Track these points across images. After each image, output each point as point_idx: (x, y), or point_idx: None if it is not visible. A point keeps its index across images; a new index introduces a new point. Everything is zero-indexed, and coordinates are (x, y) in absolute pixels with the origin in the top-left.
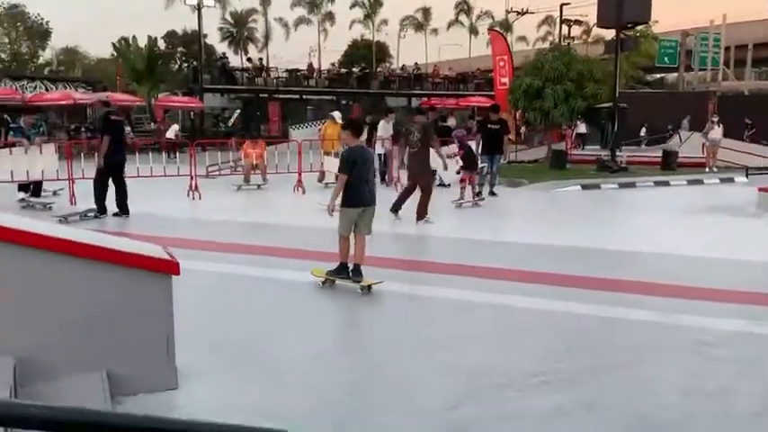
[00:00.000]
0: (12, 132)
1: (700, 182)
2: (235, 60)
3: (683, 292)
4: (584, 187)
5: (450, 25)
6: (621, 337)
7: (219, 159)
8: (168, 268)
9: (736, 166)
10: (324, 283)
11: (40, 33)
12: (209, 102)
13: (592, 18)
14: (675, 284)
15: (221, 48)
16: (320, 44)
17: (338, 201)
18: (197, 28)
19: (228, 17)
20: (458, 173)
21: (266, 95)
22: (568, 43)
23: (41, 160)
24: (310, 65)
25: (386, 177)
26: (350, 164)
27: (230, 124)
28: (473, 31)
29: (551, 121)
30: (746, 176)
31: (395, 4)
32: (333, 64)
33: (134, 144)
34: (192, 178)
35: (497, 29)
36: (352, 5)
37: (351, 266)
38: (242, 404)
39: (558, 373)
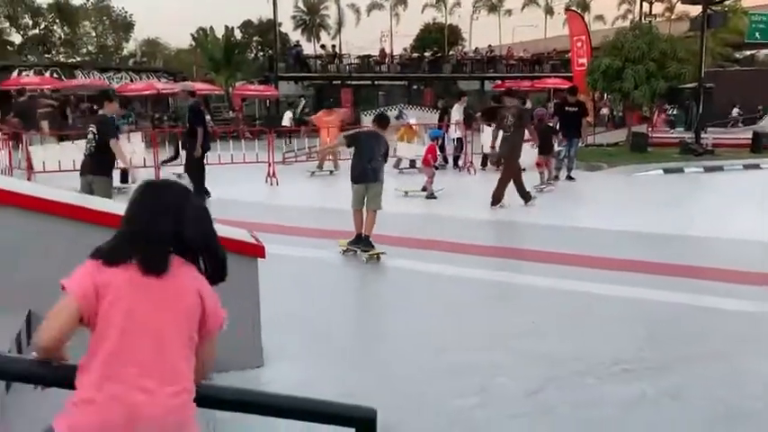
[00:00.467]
0: None
1: None
2: (308, 48)
3: None
4: (667, 171)
5: (524, 6)
6: (709, 326)
7: (296, 146)
8: (254, 251)
9: None
10: (345, 251)
11: (124, 26)
12: (283, 89)
13: None
14: (766, 273)
15: (295, 36)
16: (392, 29)
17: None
18: (272, 17)
19: (301, 5)
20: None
21: (339, 82)
22: (650, 21)
23: (130, 149)
24: (382, 50)
25: (459, 162)
26: (354, 139)
27: (298, 113)
28: (548, 11)
29: (632, 102)
30: None
31: None
32: (405, 49)
33: (214, 132)
34: (269, 165)
35: (574, 8)
36: None
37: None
38: (323, 382)
39: (641, 362)
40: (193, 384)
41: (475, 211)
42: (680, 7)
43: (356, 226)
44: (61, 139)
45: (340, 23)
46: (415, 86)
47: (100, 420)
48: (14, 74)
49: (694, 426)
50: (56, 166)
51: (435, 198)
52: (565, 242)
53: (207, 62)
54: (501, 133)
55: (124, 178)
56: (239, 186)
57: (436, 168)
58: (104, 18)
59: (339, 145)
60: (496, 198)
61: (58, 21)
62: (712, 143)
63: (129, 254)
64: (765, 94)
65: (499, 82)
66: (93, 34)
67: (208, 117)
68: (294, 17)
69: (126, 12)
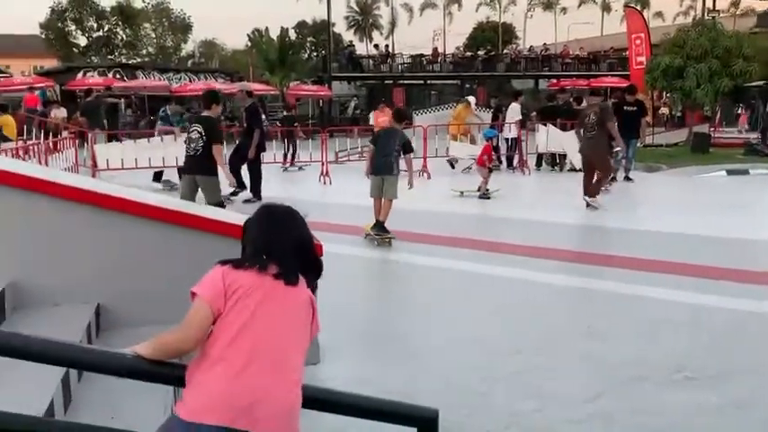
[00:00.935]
0: (161, 121)
1: None
2: (360, 48)
3: None
4: (731, 173)
5: (581, 3)
6: None
7: (348, 145)
8: None
9: None
10: (366, 236)
11: (183, 27)
12: (335, 89)
13: None
14: None
15: (348, 36)
16: (445, 28)
17: None
18: (325, 17)
19: (354, 5)
20: None
21: (391, 82)
22: (713, 17)
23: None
24: (435, 49)
25: (513, 162)
26: (375, 137)
27: (349, 114)
28: (605, 8)
29: (693, 101)
30: None
31: None
32: (458, 48)
33: (270, 133)
34: (323, 164)
35: (633, 5)
36: None
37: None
38: (377, 379)
39: (704, 369)
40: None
41: (529, 213)
42: (746, 2)
43: (375, 212)
44: (111, 138)
45: (393, 23)
46: (467, 85)
47: (224, 405)
48: (80, 75)
49: None
50: (119, 164)
51: (488, 198)
52: (622, 244)
53: (262, 62)
54: (582, 133)
55: (157, 178)
56: (293, 185)
57: (490, 170)
58: (164, 20)
59: (372, 153)
60: (592, 192)
61: (120, 23)
62: None
63: (265, 263)
64: None
65: (554, 81)
66: (153, 36)
67: (264, 117)
68: (347, 17)
69: (185, 13)
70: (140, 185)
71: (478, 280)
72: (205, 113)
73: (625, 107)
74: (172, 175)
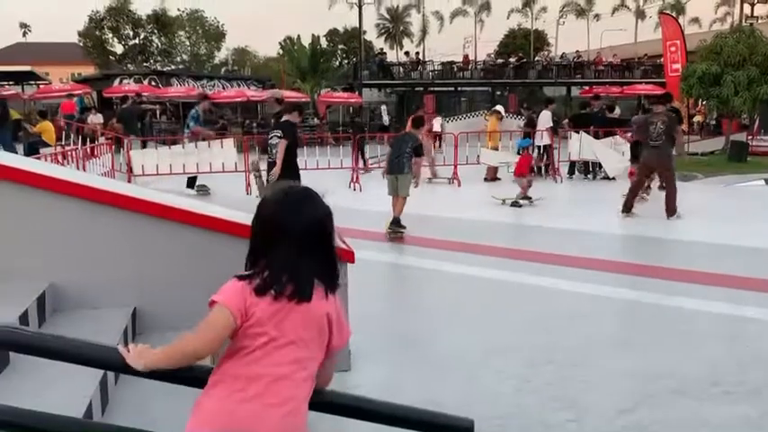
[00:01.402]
0: (192, 121)
1: None
2: (391, 55)
3: None
4: None
5: (615, 10)
6: None
7: (379, 152)
8: (346, 257)
9: None
10: (387, 234)
11: (216, 35)
12: (366, 96)
13: None
14: None
15: (378, 43)
16: (476, 35)
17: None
18: (356, 25)
19: (385, 13)
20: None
21: (421, 89)
22: (751, 24)
23: (222, 154)
24: (466, 56)
25: (547, 169)
26: (392, 141)
27: (386, 122)
28: (640, 14)
29: (730, 109)
30: None
31: None
32: (489, 54)
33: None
34: (353, 171)
35: (668, 12)
36: None
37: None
38: (408, 387)
39: (742, 384)
40: (308, 396)
41: (563, 221)
42: None
43: (392, 209)
44: (146, 144)
45: (424, 30)
46: (498, 92)
47: (216, 425)
48: (116, 82)
49: None
50: (153, 170)
51: (520, 206)
52: (659, 254)
53: (294, 70)
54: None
55: (191, 184)
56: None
57: (530, 181)
58: (198, 28)
59: (389, 155)
60: (671, 210)
61: (156, 31)
62: None
63: (282, 286)
64: None
65: (587, 88)
66: (188, 43)
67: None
68: (378, 25)
69: (218, 21)
70: (174, 191)
71: (511, 288)
72: (284, 118)
73: None
74: (206, 181)
